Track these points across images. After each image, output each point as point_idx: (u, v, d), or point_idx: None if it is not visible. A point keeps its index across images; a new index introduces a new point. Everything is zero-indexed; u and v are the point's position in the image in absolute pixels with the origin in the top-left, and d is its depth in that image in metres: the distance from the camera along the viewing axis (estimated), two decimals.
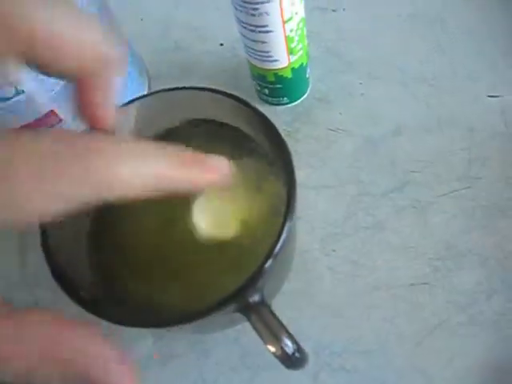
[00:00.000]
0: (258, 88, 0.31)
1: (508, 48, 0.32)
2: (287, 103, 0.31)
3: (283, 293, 0.25)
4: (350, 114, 0.31)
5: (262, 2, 0.23)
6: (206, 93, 0.21)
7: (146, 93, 0.33)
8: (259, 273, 0.16)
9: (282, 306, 0.24)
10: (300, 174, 0.29)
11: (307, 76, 0.31)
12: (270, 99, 0.31)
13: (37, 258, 0.29)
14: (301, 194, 0.29)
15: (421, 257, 0.26)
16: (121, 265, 0.21)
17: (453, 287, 0.25)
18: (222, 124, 0.22)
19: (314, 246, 0.27)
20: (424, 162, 0.29)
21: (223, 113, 0.22)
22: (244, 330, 0.25)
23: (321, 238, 0.27)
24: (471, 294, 0.25)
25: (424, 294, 0.25)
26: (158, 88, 0.34)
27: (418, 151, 0.29)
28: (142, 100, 0.22)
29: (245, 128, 0.22)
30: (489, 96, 0.30)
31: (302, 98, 0.32)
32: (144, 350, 0.26)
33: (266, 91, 0.30)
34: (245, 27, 0.26)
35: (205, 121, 0.23)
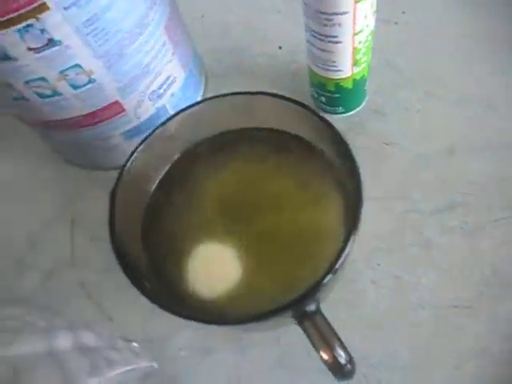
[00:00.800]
0: (315, 95, 0.31)
1: None
2: (342, 112, 0.31)
3: (328, 301, 0.25)
4: (405, 129, 0.31)
5: (337, 14, 0.24)
6: (267, 97, 0.21)
7: (202, 91, 0.34)
8: (319, 285, 0.17)
9: (326, 315, 0.25)
10: None
11: (365, 88, 0.31)
12: (326, 107, 0.31)
13: (85, 241, 0.31)
14: None
15: (466, 280, 0.26)
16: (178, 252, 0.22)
17: (496, 314, 0.25)
18: (280, 131, 0.23)
19: (360, 258, 0.27)
20: (476, 185, 0.28)
21: (285, 120, 0.22)
22: (284, 331, 0.26)
23: (367, 251, 0.27)
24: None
25: (466, 318, 0.25)
26: (214, 88, 0.35)
27: (470, 173, 0.29)
28: (201, 105, 0.22)
29: (309, 137, 0.22)
30: None
31: (358, 109, 0.32)
32: (182, 342, 0.27)
33: (323, 99, 0.31)
34: (314, 36, 0.26)
35: (258, 128, 0.23)
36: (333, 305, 0.26)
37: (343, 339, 0.25)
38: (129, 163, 0.21)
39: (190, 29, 0.33)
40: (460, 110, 0.31)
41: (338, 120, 0.32)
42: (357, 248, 0.27)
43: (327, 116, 0.32)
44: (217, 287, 0.20)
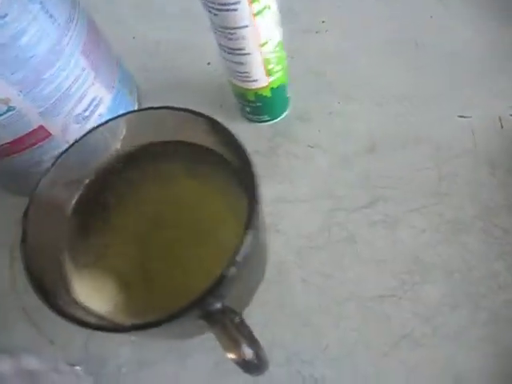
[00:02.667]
0: (240, 106, 0.32)
1: (481, 70, 0.33)
2: (268, 120, 0.33)
3: (257, 302, 0.26)
4: (328, 132, 0.32)
5: (238, 28, 0.25)
6: (181, 112, 0.22)
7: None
8: (219, 281, 0.17)
9: (256, 315, 0.26)
10: (279, 188, 0.31)
11: (287, 95, 0.32)
12: (251, 117, 0.33)
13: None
14: (278, 207, 0.30)
15: (390, 270, 0.27)
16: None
17: (419, 300, 0.26)
18: (188, 144, 0.24)
19: (289, 257, 0.28)
20: (395, 179, 0.30)
21: (198, 132, 0.23)
22: None
23: (296, 251, 0.28)
24: (436, 307, 0.26)
25: (392, 306, 0.26)
26: (147, 105, 0.36)
27: (389, 168, 0.30)
28: (126, 116, 0.23)
29: (216, 148, 0.23)
30: (459, 116, 0.31)
31: (283, 116, 0.33)
32: (122, 359, 0.27)
33: (248, 109, 0.32)
34: (224, 50, 0.27)
35: (172, 142, 0.24)
36: (265, 305, 0.27)
37: (277, 338, 0.26)
38: (40, 185, 0.21)
39: (120, 49, 0.34)
40: (379, 110, 0.33)
41: (264, 128, 0.33)
42: (286, 248, 0.29)
43: (254, 125, 0.33)
44: (115, 298, 0.21)
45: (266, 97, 0.30)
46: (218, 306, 0.19)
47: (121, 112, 0.33)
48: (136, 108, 0.35)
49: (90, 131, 0.23)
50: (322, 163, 0.31)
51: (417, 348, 0.25)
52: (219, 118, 0.21)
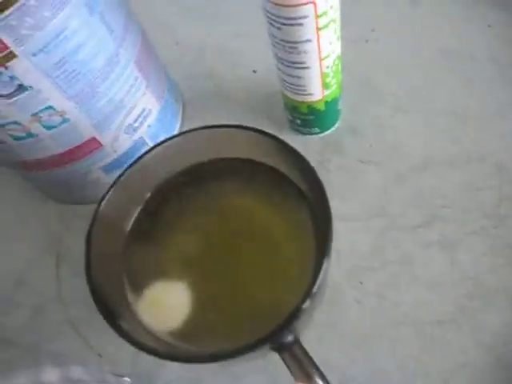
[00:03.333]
0: (291, 118, 0.32)
1: None
2: (318, 133, 0.32)
3: (312, 323, 0.25)
4: (380, 146, 0.31)
5: (301, 42, 0.24)
6: (239, 130, 0.22)
7: (180, 119, 0.35)
8: (295, 314, 0.17)
9: (310, 338, 0.25)
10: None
11: (339, 108, 0.31)
12: (301, 129, 0.32)
13: (71, 276, 0.31)
14: None
15: (448, 293, 0.26)
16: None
17: (480, 327, 0.25)
18: (253, 162, 0.23)
19: (342, 278, 0.28)
20: (451, 198, 0.29)
21: (257, 151, 0.23)
22: (272, 359, 0.26)
23: (348, 271, 0.28)
24: (499, 335, 0.25)
25: (451, 332, 0.25)
26: (192, 113, 0.36)
27: (446, 186, 0.29)
28: (177, 138, 0.22)
29: (280, 166, 0.22)
30: None
31: (333, 129, 0.32)
32: (171, 375, 0.27)
33: (298, 122, 0.31)
34: (282, 63, 0.26)
35: (235, 159, 0.24)
36: (318, 327, 0.26)
37: (330, 361, 0.25)
38: (103, 203, 0.21)
39: (164, 57, 0.33)
40: (433, 124, 0.32)
41: (314, 141, 0.32)
42: (338, 268, 0.28)
43: (304, 137, 0.32)
44: (184, 325, 0.20)
45: (319, 110, 0.29)
46: (291, 338, 0.18)
47: (168, 121, 0.33)
48: (180, 118, 0.35)
49: (145, 153, 0.22)
50: (375, 179, 0.30)
51: (479, 379, 0.24)
52: (266, 129, 0.20)
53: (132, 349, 0.27)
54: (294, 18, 0.23)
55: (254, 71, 0.36)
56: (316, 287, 0.17)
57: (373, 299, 0.27)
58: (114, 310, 0.19)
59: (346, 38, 0.36)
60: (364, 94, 0.34)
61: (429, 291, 0.27)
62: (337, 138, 0.32)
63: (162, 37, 0.37)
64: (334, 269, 0.28)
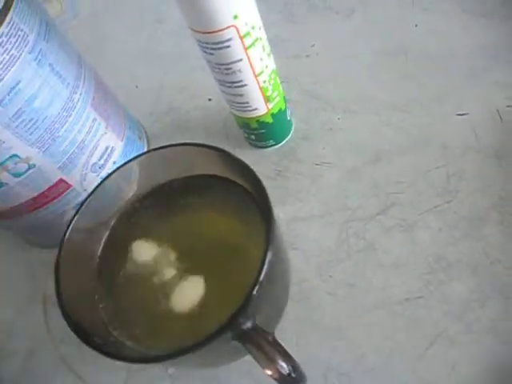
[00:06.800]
0: (246, 135, 0.34)
1: (469, 68, 0.34)
2: (273, 145, 0.34)
3: (287, 321, 0.26)
4: (332, 147, 0.33)
5: (234, 62, 0.26)
6: (191, 147, 0.24)
7: None
8: (247, 300, 0.18)
9: (288, 333, 0.26)
10: (291, 208, 0.32)
11: (288, 118, 0.33)
12: (257, 143, 0.34)
13: (58, 316, 0.32)
14: (293, 226, 0.31)
15: (413, 272, 0.28)
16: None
17: (447, 298, 0.26)
18: (211, 176, 0.25)
19: (311, 274, 0.29)
20: (405, 183, 0.30)
21: (211, 164, 0.25)
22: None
23: (317, 266, 0.29)
24: (465, 303, 0.26)
25: (420, 308, 0.26)
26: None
27: (398, 174, 0.31)
28: (139, 159, 0.24)
29: (232, 176, 0.24)
30: (457, 114, 0.32)
31: (287, 139, 0.34)
32: None
33: (253, 137, 0.33)
34: (222, 84, 0.29)
35: (193, 176, 0.25)
36: (296, 323, 0.27)
37: (312, 354, 0.26)
38: (67, 234, 0.23)
39: (125, 98, 0.36)
40: (379, 119, 0.34)
41: (270, 152, 0.34)
42: (307, 265, 0.29)
43: (261, 150, 0.35)
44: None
45: (268, 123, 0.32)
46: (249, 325, 0.19)
47: (133, 156, 0.35)
48: None
49: (104, 179, 0.24)
50: (331, 178, 0.32)
51: (453, 346, 0.25)
52: (227, 148, 0.22)
53: (123, 374, 0.29)
54: (221, 42, 0.25)
55: (210, 99, 0.39)
56: (263, 273, 0.19)
57: (343, 289, 0.28)
58: (89, 331, 0.21)
59: (288, 55, 0.39)
60: (312, 103, 0.36)
61: (395, 273, 0.28)
62: (291, 147, 0.34)
63: (122, 81, 0.39)
64: (303, 266, 0.29)
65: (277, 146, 0.34)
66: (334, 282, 0.28)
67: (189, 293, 0.22)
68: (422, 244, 0.28)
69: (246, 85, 0.28)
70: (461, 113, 0.32)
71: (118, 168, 0.24)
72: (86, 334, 0.20)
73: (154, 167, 0.25)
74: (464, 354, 0.25)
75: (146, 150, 0.37)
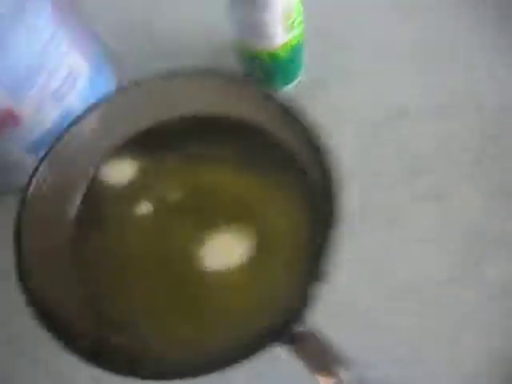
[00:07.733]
0: (248, 72, 0.27)
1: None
2: (281, 86, 0.28)
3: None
4: (350, 96, 0.28)
5: None
6: (207, 78, 0.17)
7: (116, 83, 0.29)
8: (304, 301, 0.13)
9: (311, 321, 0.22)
10: None
11: (303, 57, 0.27)
12: (261, 83, 0.28)
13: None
14: None
15: (443, 249, 0.24)
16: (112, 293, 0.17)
17: (483, 277, 0.23)
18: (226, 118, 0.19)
19: None
20: (434, 147, 0.26)
21: (226, 103, 0.18)
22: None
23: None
24: (504, 285, 0.23)
25: (453, 292, 0.23)
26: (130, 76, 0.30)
27: (424, 135, 0.27)
28: (121, 94, 0.18)
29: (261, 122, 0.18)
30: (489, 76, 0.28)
31: (297, 80, 0.28)
32: None
33: (259, 75, 0.27)
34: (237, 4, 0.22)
35: (201, 117, 0.19)
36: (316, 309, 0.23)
37: (334, 344, 0.22)
38: (31, 186, 0.16)
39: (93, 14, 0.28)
40: (409, 68, 0.29)
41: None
42: None
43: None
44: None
45: (282, 58, 0.25)
46: (303, 326, 0.14)
47: (102, 87, 0.27)
48: (115, 81, 0.29)
49: (84, 113, 0.17)
50: (348, 133, 0.27)
51: (485, 331, 0.22)
52: None
53: None
54: None
55: (196, 23, 0.31)
56: (324, 265, 0.14)
57: (367, 272, 0.24)
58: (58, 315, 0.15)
59: None
60: (324, 43, 0.30)
61: (424, 249, 0.24)
62: (304, 89, 0.28)
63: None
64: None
65: (285, 88, 0.28)
66: (355, 260, 0.24)
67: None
68: (454, 214, 0.25)
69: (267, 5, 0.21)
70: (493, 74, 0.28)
71: (97, 102, 0.17)
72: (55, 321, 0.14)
73: (145, 101, 0.18)
74: (499, 342, 0.22)
75: (115, 77, 0.29)
